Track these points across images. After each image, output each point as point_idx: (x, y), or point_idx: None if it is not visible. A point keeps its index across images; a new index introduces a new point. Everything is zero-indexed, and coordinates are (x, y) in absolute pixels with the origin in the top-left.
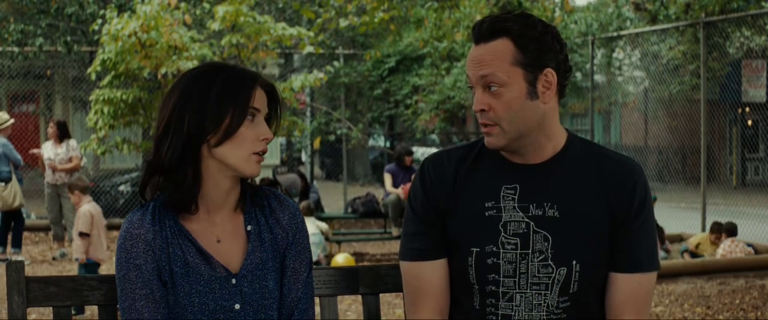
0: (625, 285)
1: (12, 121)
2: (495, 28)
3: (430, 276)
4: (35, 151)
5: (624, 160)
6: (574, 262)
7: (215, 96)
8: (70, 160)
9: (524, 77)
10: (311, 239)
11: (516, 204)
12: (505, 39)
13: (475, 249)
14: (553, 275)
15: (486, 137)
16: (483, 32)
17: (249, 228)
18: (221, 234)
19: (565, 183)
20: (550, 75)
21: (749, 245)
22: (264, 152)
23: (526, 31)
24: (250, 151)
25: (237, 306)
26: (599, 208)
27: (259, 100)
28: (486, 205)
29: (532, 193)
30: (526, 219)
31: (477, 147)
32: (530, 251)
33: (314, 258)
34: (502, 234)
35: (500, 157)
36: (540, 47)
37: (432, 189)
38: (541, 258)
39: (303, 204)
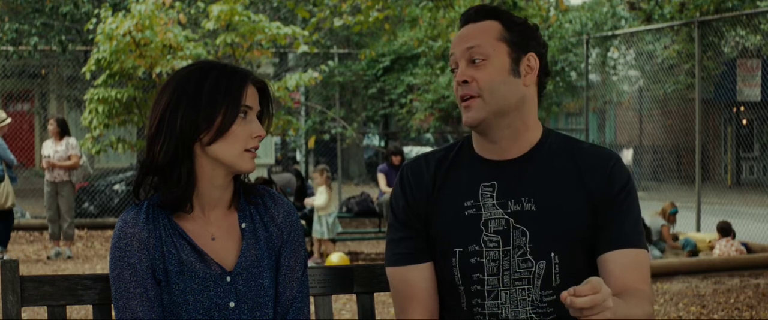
0: (620, 258)
1: (9, 120)
2: (483, 11)
3: (417, 279)
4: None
5: (599, 150)
6: (553, 255)
7: (207, 94)
8: (68, 158)
9: (508, 53)
10: (333, 217)
11: (495, 202)
12: (493, 20)
13: (458, 250)
14: (534, 269)
15: (465, 112)
16: (471, 15)
17: (243, 225)
18: (216, 232)
19: (542, 176)
20: (532, 59)
21: (743, 244)
22: (256, 148)
23: (513, 17)
24: (243, 148)
25: (232, 304)
26: (576, 199)
27: (251, 97)
28: (465, 205)
29: (510, 189)
30: (506, 216)
31: (455, 148)
32: (511, 247)
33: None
34: (484, 232)
35: (477, 155)
36: (525, 32)
37: (412, 194)
38: (520, 253)
39: (320, 167)
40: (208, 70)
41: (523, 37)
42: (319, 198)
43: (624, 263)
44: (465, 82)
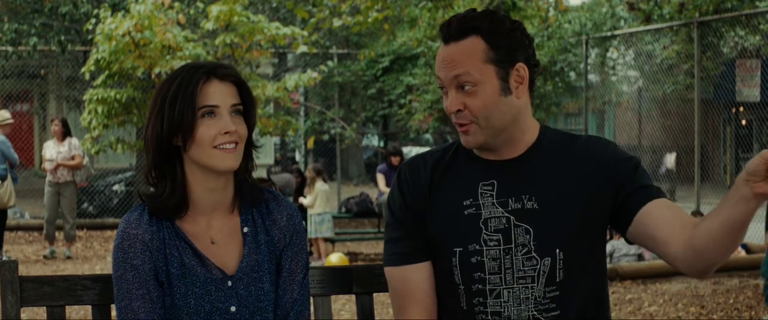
0: (661, 204)
1: (11, 120)
2: (464, 26)
3: (416, 279)
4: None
5: (594, 139)
6: (558, 251)
7: (169, 102)
8: (72, 158)
9: (497, 74)
10: (325, 217)
11: (495, 200)
12: (475, 37)
13: (458, 249)
14: (538, 267)
15: (463, 136)
16: (452, 31)
17: (245, 230)
18: (217, 236)
19: (541, 173)
20: (521, 70)
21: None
22: (232, 143)
23: (495, 28)
24: (211, 146)
25: (233, 309)
26: (578, 194)
27: (216, 95)
28: (464, 203)
29: (510, 187)
30: (506, 214)
31: (452, 148)
32: (513, 245)
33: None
34: (484, 231)
35: (475, 155)
36: (510, 43)
37: (409, 193)
38: (524, 251)
39: (311, 166)
40: (175, 77)
41: (508, 51)
42: (308, 198)
43: (668, 205)
44: (459, 110)
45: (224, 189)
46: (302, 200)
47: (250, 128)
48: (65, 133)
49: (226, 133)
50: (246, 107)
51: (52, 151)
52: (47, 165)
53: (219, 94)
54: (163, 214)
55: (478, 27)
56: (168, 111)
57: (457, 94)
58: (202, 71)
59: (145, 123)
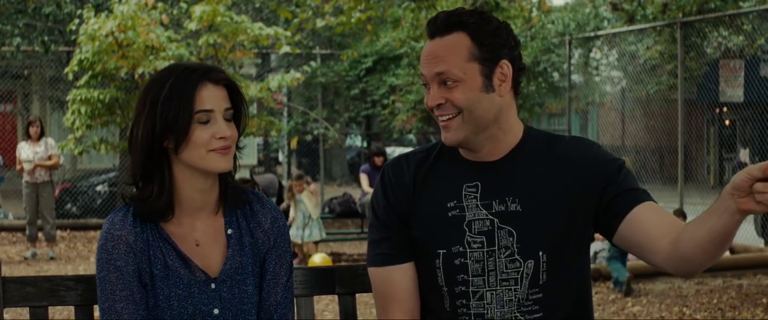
0: (649, 208)
1: None
2: (450, 22)
3: (399, 280)
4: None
5: (577, 140)
6: (541, 253)
7: (161, 104)
8: (49, 158)
9: (480, 71)
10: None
11: (479, 202)
12: (460, 33)
13: (441, 252)
14: (522, 269)
15: (444, 132)
16: (438, 26)
17: (229, 231)
18: (201, 238)
19: (525, 175)
20: (505, 67)
21: None
22: (225, 147)
23: (482, 25)
24: (205, 150)
25: (216, 311)
26: (561, 196)
27: (211, 99)
28: (448, 205)
29: (494, 189)
30: (490, 217)
31: (436, 148)
32: (496, 248)
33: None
34: (468, 233)
35: (459, 156)
36: (496, 40)
37: (393, 193)
38: (507, 253)
39: (296, 173)
40: (167, 78)
41: (493, 49)
42: (309, 206)
43: (654, 209)
44: (440, 104)
45: (211, 190)
46: (311, 209)
47: (240, 131)
48: (40, 133)
49: (220, 138)
50: (236, 110)
51: (28, 151)
52: (26, 166)
53: (214, 99)
54: (148, 217)
55: (465, 23)
56: (161, 112)
57: (439, 88)
58: (197, 74)
59: (132, 123)
